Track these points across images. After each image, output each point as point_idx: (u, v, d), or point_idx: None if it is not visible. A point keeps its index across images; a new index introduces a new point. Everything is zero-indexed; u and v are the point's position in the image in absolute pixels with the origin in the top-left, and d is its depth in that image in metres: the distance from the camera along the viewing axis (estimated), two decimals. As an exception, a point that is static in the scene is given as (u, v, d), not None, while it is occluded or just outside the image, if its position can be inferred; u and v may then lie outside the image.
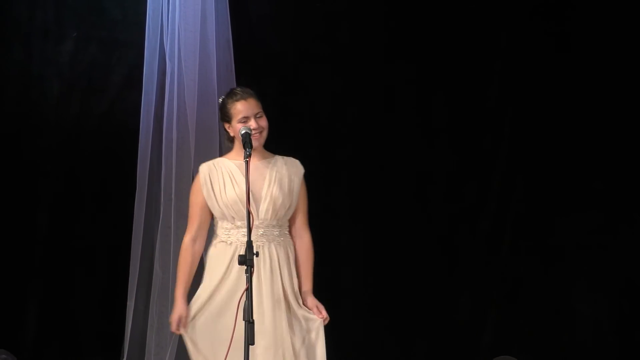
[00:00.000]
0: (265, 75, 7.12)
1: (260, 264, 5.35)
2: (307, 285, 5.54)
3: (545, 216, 7.50)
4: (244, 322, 4.85)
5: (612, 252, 7.43)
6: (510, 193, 7.54)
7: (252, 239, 5.19)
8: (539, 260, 7.45)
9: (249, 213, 5.11)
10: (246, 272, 4.89)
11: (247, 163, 5.15)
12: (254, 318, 4.95)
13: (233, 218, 5.40)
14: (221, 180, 5.44)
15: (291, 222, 5.57)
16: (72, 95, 7.31)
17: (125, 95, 7.26)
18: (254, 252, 4.97)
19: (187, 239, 5.48)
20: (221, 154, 6.69)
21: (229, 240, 5.43)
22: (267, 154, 5.56)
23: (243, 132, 5.31)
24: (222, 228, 5.45)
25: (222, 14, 7.15)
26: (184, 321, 5.39)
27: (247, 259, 4.91)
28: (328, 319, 5.51)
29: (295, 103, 7.42)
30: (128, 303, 7.02)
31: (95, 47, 7.32)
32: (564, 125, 7.52)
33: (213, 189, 5.44)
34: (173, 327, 5.41)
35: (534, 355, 7.32)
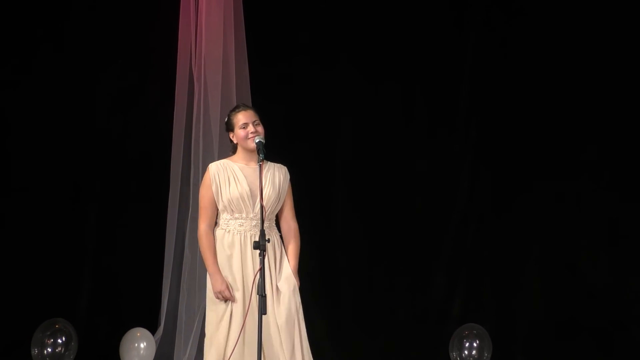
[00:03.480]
0: (275, 94, 7.37)
1: (249, 250, 5.43)
2: (292, 263, 5.54)
3: (503, 214, 7.71)
4: (258, 295, 5.11)
5: (560, 240, 7.64)
6: (475, 192, 7.76)
7: (246, 229, 5.45)
8: (499, 246, 7.68)
9: (262, 207, 5.31)
10: (260, 255, 5.15)
11: (260, 167, 5.35)
12: (239, 292, 5.34)
13: (232, 211, 5.46)
14: (226, 179, 5.49)
15: (279, 214, 5.61)
16: (118, 110, 7.61)
17: (160, 110, 7.48)
18: (266, 239, 5.21)
19: (204, 226, 5.51)
20: None
21: (227, 229, 5.48)
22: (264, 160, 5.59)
23: (257, 141, 5.44)
24: (222, 218, 5.49)
25: (240, 44, 7.35)
26: (230, 289, 5.41)
27: (260, 244, 5.15)
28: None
29: (299, 116, 7.57)
30: (164, 281, 7.34)
31: (136, 71, 7.57)
32: (520, 135, 7.71)
33: (220, 186, 5.50)
34: (227, 295, 5.40)
35: (495, 323, 7.54)
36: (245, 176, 5.52)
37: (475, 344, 7.34)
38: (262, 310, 5.11)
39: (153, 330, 7.34)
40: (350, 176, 7.71)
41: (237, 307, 5.41)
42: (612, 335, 7.56)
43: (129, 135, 7.61)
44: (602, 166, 7.68)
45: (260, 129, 5.55)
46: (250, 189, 5.48)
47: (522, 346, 7.64)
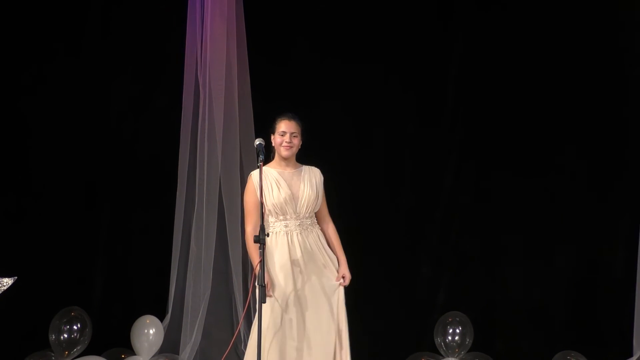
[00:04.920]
0: (274, 99, 7.35)
1: (295, 245, 5.66)
2: (342, 257, 5.82)
3: (485, 209, 7.76)
4: (258, 285, 5.31)
5: (536, 234, 7.70)
6: (458, 189, 7.80)
7: (291, 228, 5.69)
8: (479, 240, 7.76)
9: (262, 205, 5.57)
10: (259, 248, 5.37)
11: (260, 167, 5.54)
12: (299, 285, 5.59)
13: (277, 214, 5.69)
14: (268, 185, 5.68)
15: (317, 214, 5.85)
16: (128, 115, 7.67)
17: (168, 114, 7.55)
18: (266, 233, 5.48)
19: (250, 229, 5.68)
20: (241, 163, 7.19)
21: (274, 230, 5.70)
22: (298, 164, 5.85)
23: (257, 143, 5.62)
24: (267, 221, 5.71)
25: (242, 53, 7.47)
26: (271, 285, 5.64)
27: (260, 239, 5.38)
28: (345, 284, 5.78)
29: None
30: (171, 272, 7.43)
31: (146, 78, 7.64)
32: (504, 132, 7.74)
33: (263, 192, 5.67)
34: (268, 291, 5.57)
35: (476, 311, 7.59)
36: (285, 180, 5.75)
37: (458, 330, 7.42)
38: (262, 299, 5.32)
39: (161, 317, 7.41)
40: (345, 173, 7.69)
41: (290, 300, 5.66)
42: (583, 323, 7.62)
43: (139, 139, 7.68)
44: (579, 165, 7.73)
45: (295, 141, 5.78)
46: (292, 192, 5.73)
47: (501, 332, 7.71)
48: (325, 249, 5.81)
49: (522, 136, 7.76)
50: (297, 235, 5.72)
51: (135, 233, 7.70)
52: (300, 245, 5.71)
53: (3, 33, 7.46)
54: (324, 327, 5.71)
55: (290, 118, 5.81)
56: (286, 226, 5.73)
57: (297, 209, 5.74)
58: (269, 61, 7.73)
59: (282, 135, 5.76)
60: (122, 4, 7.68)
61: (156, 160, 7.68)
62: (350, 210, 7.59)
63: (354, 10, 7.84)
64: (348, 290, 7.00)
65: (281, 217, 5.73)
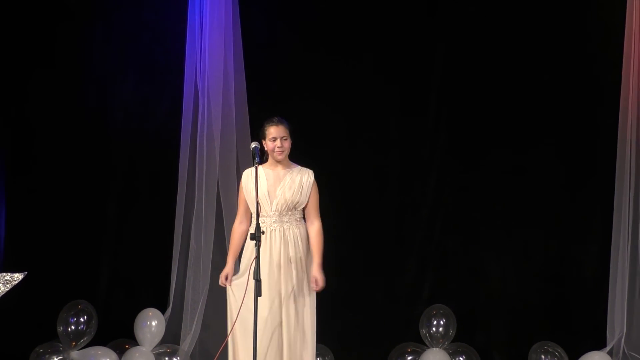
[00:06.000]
0: (268, 107, 7.23)
1: (272, 240, 5.76)
2: (316, 259, 5.80)
3: (467, 206, 7.87)
4: (254, 280, 5.43)
5: (515, 232, 7.85)
6: (442, 189, 7.90)
7: (267, 224, 5.78)
8: (462, 238, 7.88)
9: (257, 204, 5.69)
10: (255, 245, 5.51)
11: (256, 169, 5.64)
12: (266, 275, 5.63)
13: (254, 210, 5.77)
14: (253, 183, 5.73)
15: (305, 213, 5.88)
16: (132, 120, 7.77)
17: (170, 120, 7.67)
18: (261, 231, 5.56)
19: (235, 222, 5.92)
20: (238, 165, 7.29)
21: (253, 224, 5.72)
22: (291, 164, 5.89)
23: (253, 146, 5.72)
24: (253, 217, 5.79)
25: (239, 63, 7.56)
26: (229, 278, 5.80)
27: (256, 236, 5.50)
28: (318, 289, 5.78)
29: (289, 120, 7.10)
30: (172, 267, 7.51)
31: (149, 86, 7.76)
32: (489, 133, 7.84)
33: (248, 189, 5.82)
34: (221, 281, 5.78)
35: (459, 304, 7.70)
36: (267, 179, 5.83)
37: (442, 322, 7.53)
38: (257, 292, 5.41)
39: (163, 310, 7.49)
40: (334, 172, 7.66)
41: (264, 294, 5.68)
42: (560, 315, 7.72)
43: (143, 141, 7.77)
44: (555, 164, 7.77)
45: (286, 144, 5.85)
46: (268, 191, 5.80)
47: (482, 324, 7.82)
48: (298, 247, 5.84)
49: (502, 136, 7.81)
50: (272, 231, 5.79)
51: (138, 231, 7.77)
52: (272, 241, 5.79)
53: (6, 39, 7.56)
54: (291, 321, 5.84)
55: (277, 123, 5.87)
56: (263, 222, 5.79)
57: (273, 206, 5.80)
58: (264, 68, 7.78)
59: (273, 141, 5.82)
60: (124, 14, 7.75)
61: (158, 162, 7.77)
62: (339, 208, 7.60)
63: (350, 12, 7.87)
64: (338, 284, 7.16)
65: (261, 213, 5.83)
